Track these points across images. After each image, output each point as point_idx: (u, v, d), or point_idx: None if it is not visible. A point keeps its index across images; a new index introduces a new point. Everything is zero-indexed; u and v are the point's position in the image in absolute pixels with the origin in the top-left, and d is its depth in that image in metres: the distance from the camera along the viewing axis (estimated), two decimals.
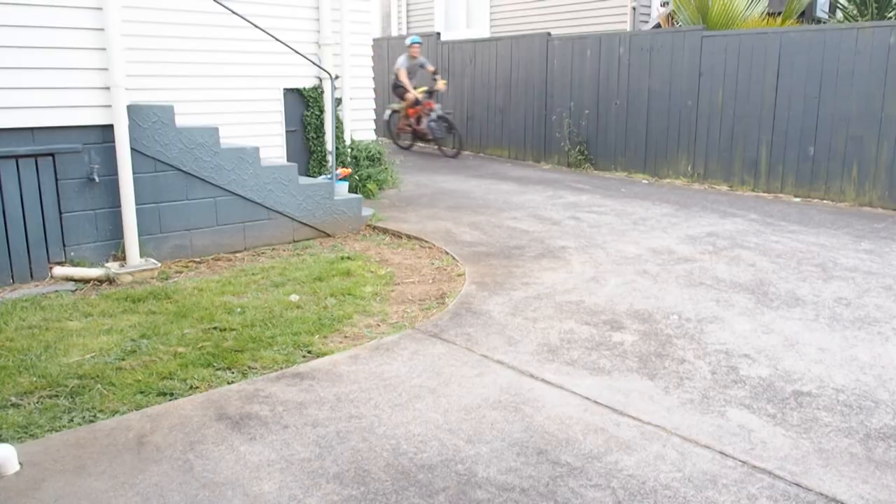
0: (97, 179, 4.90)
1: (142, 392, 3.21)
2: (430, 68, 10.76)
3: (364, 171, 7.53)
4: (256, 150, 5.69)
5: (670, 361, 3.53)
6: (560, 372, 3.41)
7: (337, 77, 7.10)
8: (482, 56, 11.24)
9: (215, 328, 3.96)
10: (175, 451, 2.70)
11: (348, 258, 5.41)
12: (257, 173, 5.68)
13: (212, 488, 2.47)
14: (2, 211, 4.61)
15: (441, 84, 10.61)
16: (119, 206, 4.98)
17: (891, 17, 9.57)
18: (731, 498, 2.39)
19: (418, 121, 10.70)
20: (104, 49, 4.76)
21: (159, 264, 5.07)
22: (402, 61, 10.63)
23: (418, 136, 11.00)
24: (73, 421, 2.96)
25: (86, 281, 4.77)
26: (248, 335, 3.85)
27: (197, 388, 3.27)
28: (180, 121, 5.34)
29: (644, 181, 8.93)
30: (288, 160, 7.11)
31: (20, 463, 2.60)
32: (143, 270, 4.92)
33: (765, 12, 9.77)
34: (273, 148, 7.02)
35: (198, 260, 5.43)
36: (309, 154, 7.54)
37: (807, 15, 11.14)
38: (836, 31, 7.52)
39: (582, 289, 4.65)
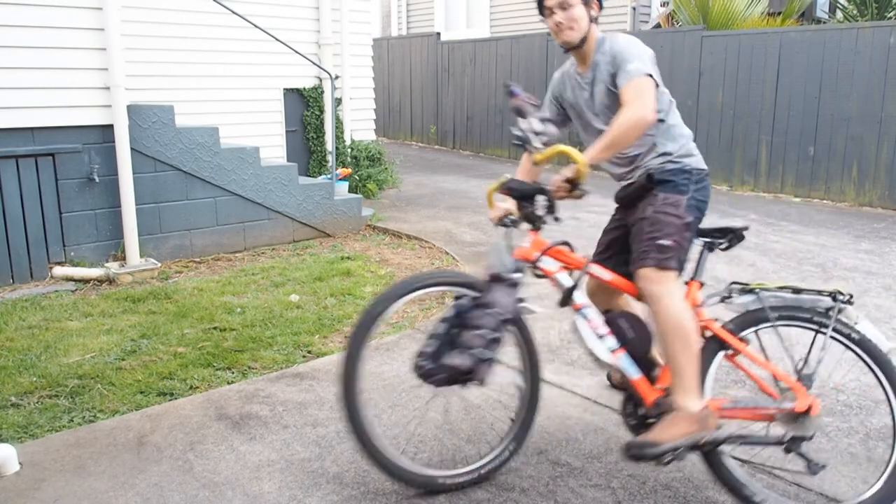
0: (97, 179, 4.90)
1: (142, 392, 3.21)
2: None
3: (364, 171, 7.53)
4: (256, 150, 5.69)
5: None
6: (560, 372, 3.41)
7: (337, 77, 7.10)
8: (482, 56, 11.24)
9: (215, 328, 3.96)
10: (175, 451, 2.70)
11: (348, 258, 5.41)
12: (257, 173, 5.68)
13: (212, 488, 2.47)
14: (2, 211, 4.61)
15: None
16: (119, 206, 4.98)
17: (891, 17, 9.57)
18: (730, 498, 2.39)
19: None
20: (104, 49, 4.76)
21: (159, 264, 5.07)
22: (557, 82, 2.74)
23: None
24: (73, 421, 2.96)
25: (86, 281, 4.77)
26: (248, 335, 3.85)
27: (197, 388, 3.27)
28: (180, 121, 5.35)
29: None
30: (288, 160, 7.11)
31: (20, 463, 2.60)
32: (143, 270, 4.92)
33: (765, 12, 9.77)
34: (273, 148, 7.02)
35: (198, 260, 5.43)
36: (309, 154, 7.54)
37: (807, 15, 11.15)
38: (836, 31, 7.52)
39: None
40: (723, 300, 2.48)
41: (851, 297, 2.34)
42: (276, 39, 6.00)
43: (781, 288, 2.43)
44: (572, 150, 2.33)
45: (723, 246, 2.54)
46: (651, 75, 2.39)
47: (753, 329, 2.42)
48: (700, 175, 2.56)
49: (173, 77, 6.25)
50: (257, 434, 2.84)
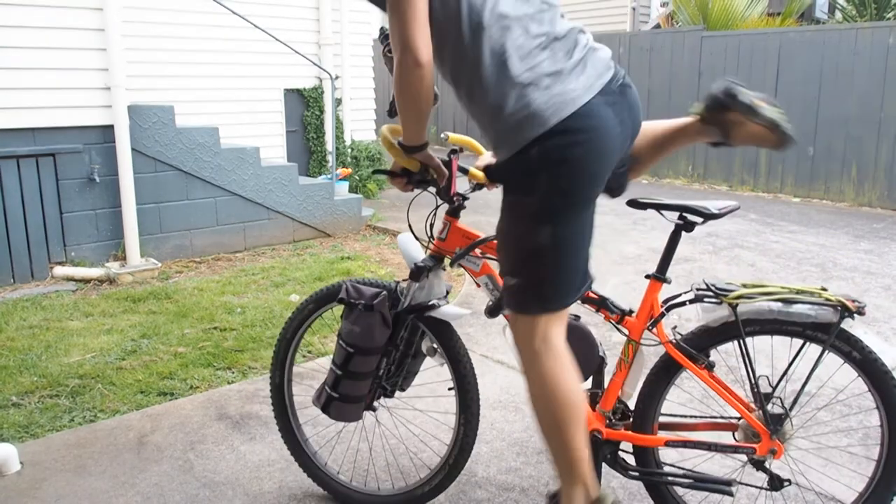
0: (98, 179, 4.91)
1: (142, 392, 3.21)
2: None
3: (364, 171, 7.53)
4: (256, 150, 5.70)
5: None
6: None
7: (337, 77, 7.11)
8: None
9: (215, 328, 3.97)
10: (175, 451, 2.71)
11: (348, 258, 5.41)
12: (257, 173, 5.68)
13: (212, 488, 2.47)
14: (3, 211, 4.62)
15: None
16: (119, 206, 4.99)
17: (890, 18, 9.58)
18: (730, 497, 2.39)
19: None
20: (104, 49, 4.77)
21: (159, 264, 5.07)
22: None
23: None
24: (73, 421, 2.97)
25: (86, 281, 4.78)
26: (248, 335, 3.85)
27: (197, 388, 3.28)
28: (180, 121, 5.35)
29: (644, 181, 8.94)
30: (288, 160, 7.12)
31: (21, 462, 2.61)
32: (144, 270, 4.93)
33: (765, 12, 9.79)
34: (273, 148, 7.03)
35: (198, 260, 5.43)
36: (309, 154, 7.55)
37: (806, 15, 11.16)
38: (836, 31, 7.52)
39: None
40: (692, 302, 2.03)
41: (863, 307, 1.90)
42: (276, 39, 6.01)
43: (773, 296, 1.95)
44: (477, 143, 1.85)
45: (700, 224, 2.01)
46: None
47: (720, 345, 2.04)
48: (563, 133, 1.58)
49: (173, 77, 6.26)
50: (257, 434, 2.84)
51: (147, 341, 3.78)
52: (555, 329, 1.73)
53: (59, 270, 4.80)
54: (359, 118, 7.74)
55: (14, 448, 2.60)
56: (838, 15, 11.00)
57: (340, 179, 6.64)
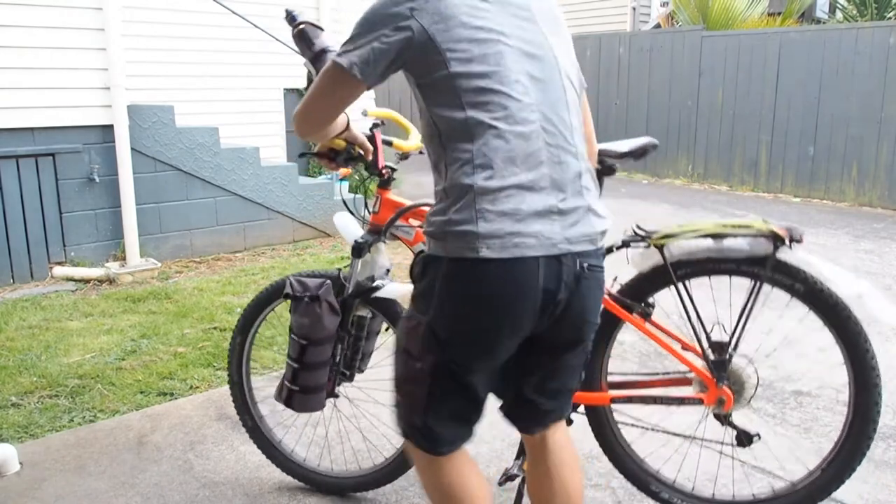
0: (97, 179, 4.91)
1: (142, 392, 3.21)
2: None
3: (364, 171, 7.53)
4: (256, 150, 5.70)
5: (669, 361, 3.53)
6: None
7: None
8: None
9: (215, 328, 3.96)
10: (175, 451, 2.71)
11: (348, 258, 5.41)
12: (257, 173, 5.68)
13: (212, 488, 2.47)
14: (2, 211, 4.62)
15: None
16: (119, 206, 4.98)
17: (890, 17, 9.57)
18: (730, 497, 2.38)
19: None
20: (104, 49, 4.77)
21: (159, 264, 5.07)
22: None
23: None
24: (73, 421, 2.96)
25: (86, 281, 4.77)
26: None
27: (197, 388, 3.28)
28: (180, 121, 5.35)
29: (644, 181, 8.94)
30: (288, 160, 7.11)
31: (20, 462, 2.60)
32: (144, 270, 4.92)
33: (765, 12, 9.78)
34: (273, 148, 7.02)
35: (198, 260, 5.43)
36: None
37: (807, 15, 11.16)
38: (836, 31, 7.52)
39: None
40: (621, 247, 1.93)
41: (801, 234, 1.79)
42: (277, 39, 5.98)
43: (700, 233, 1.86)
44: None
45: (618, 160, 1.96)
46: (343, 57, 1.44)
47: (657, 292, 1.97)
48: (464, 267, 1.37)
49: (173, 77, 6.24)
50: None
51: (147, 341, 3.77)
52: None
53: (59, 270, 4.79)
54: (358, 118, 7.72)
55: (13, 448, 2.60)
56: (839, 14, 11.00)
57: (340, 179, 6.63)
